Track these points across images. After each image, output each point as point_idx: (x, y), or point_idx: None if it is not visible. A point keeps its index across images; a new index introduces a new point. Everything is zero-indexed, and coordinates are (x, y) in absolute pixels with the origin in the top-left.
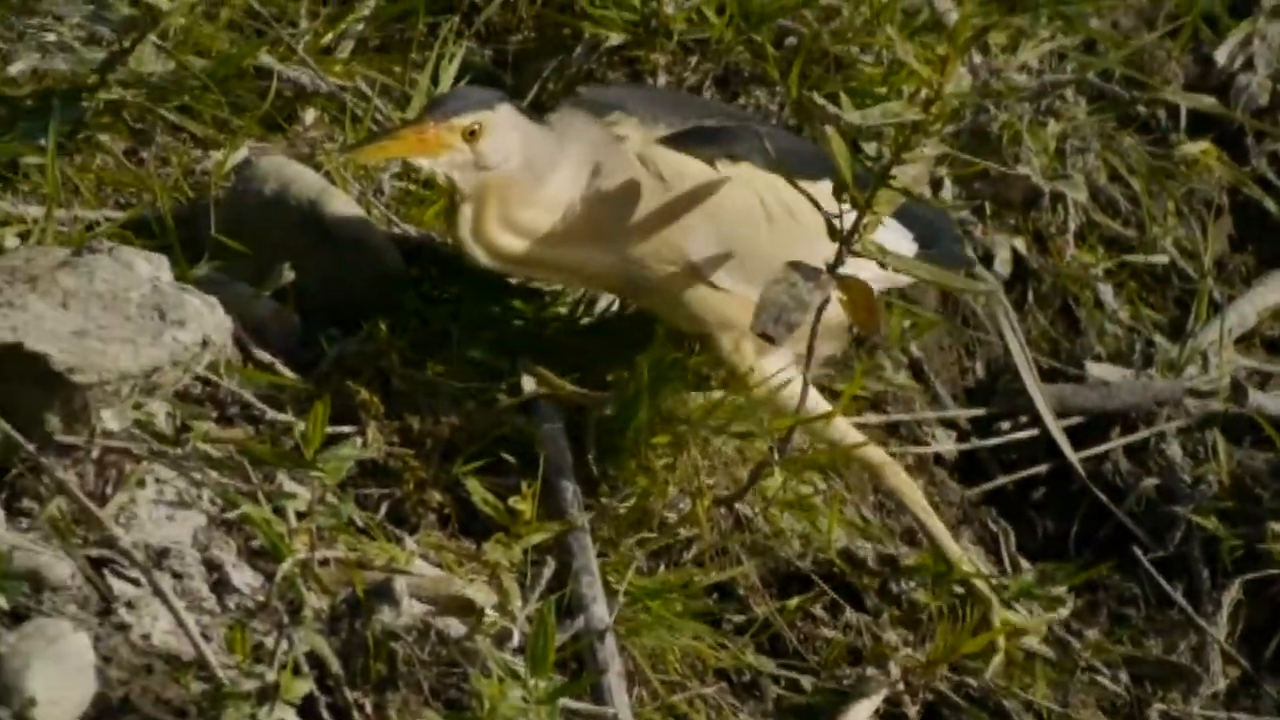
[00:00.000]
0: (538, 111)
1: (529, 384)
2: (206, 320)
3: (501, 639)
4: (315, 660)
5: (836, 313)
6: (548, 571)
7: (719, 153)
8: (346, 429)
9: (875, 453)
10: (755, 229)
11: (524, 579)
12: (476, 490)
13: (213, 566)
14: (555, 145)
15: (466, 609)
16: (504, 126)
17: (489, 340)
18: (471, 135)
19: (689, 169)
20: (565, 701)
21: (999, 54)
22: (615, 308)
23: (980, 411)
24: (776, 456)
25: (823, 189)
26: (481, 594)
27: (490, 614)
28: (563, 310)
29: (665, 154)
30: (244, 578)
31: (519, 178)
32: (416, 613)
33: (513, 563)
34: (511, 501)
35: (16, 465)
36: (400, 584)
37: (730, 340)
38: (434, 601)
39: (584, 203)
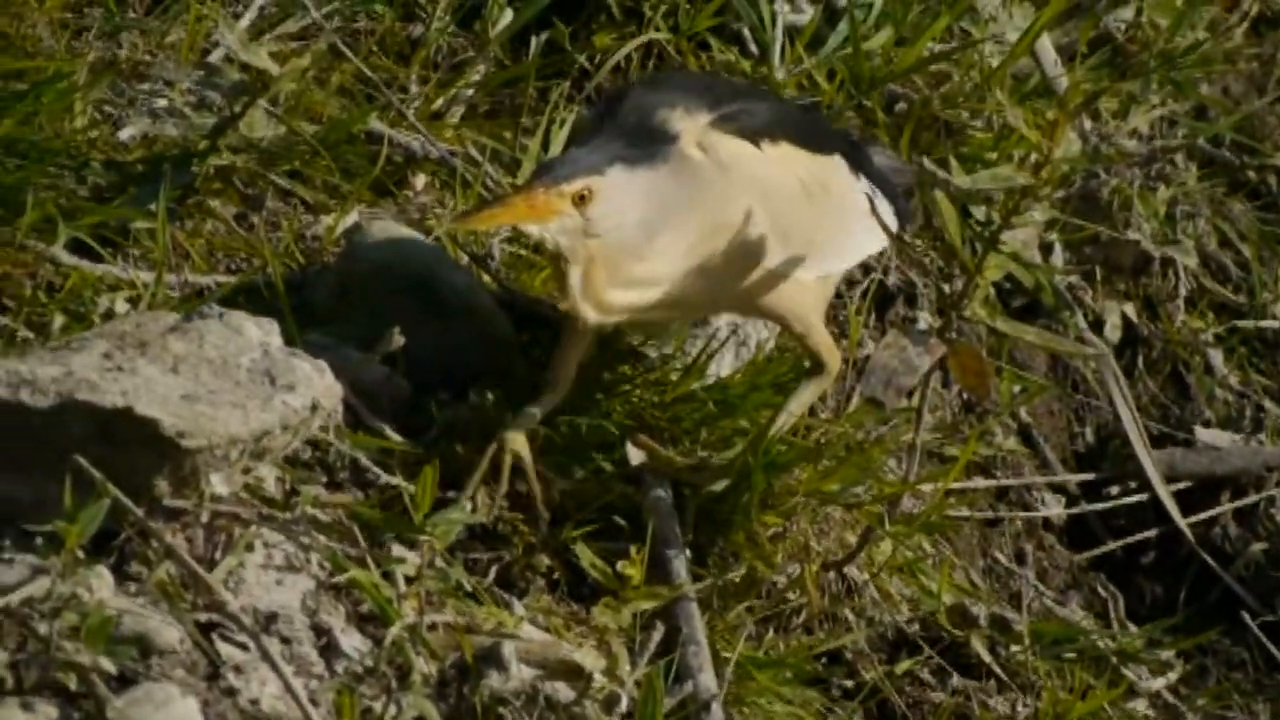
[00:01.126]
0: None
1: (635, 456)
2: (316, 385)
3: (610, 704)
4: None
5: None
6: (656, 636)
7: (763, 132)
8: (454, 494)
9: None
10: (800, 208)
11: (632, 644)
12: (585, 555)
13: (321, 631)
14: (675, 185)
15: (575, 674)
16: (615, 190)
17: (598, 407)
18: (581, 200)
19: (744, 152)
20: None
21: (1109, 119)
22: (725, 372)
23: (1089, 476)
24: (885, 522)
25: (838, 162)
26: (590, 659)
27: (599, 679)
28: (674, 376)
29: (719, 139)
30: (352, 642)
31: (632, 236)
32: (525, 677)
33: (621, 627)
34: (620, 566)
35: (125, 529)
36: (508, 648)
37: (800, 325)
38: (542, 666)
39: (685, 244)
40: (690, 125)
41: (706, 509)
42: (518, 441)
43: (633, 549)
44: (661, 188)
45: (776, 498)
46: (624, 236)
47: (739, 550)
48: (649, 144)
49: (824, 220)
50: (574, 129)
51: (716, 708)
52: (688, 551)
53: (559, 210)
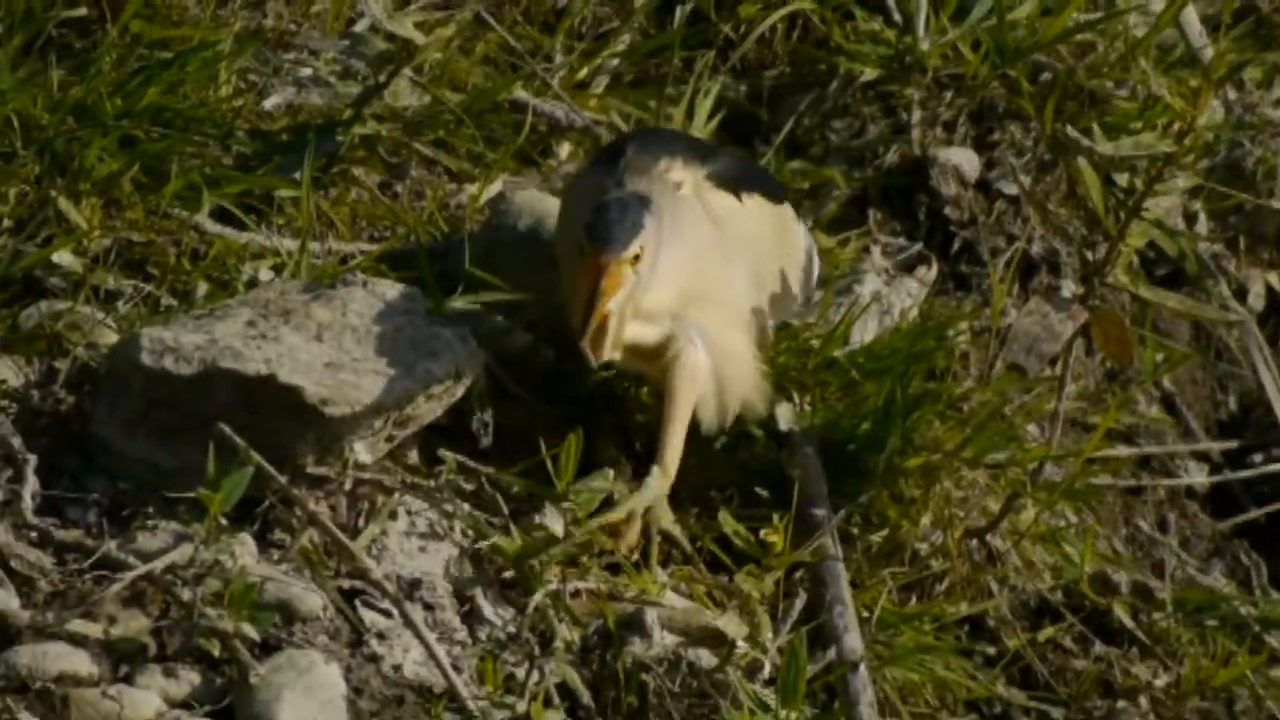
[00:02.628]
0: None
1: (784, 414)
2: (459, 353)
3: (752, 670)
4: (566, 691)
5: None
6: (799, 603)
7: (745, 188)
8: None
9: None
10: (771, 257)
11: (775, 611)
12: (728, 522)
13: (464, 598)
14: (664, 227)
15: (718, 640)
16: (651, 239)
17: None
18: (635, 260)
19: (733, 206)
20: None
21: (1253, 89)
22: (867, 339)
23: (1233, 444)
24: (1028, 489)
25: (790, 212)
26: (733, 625)
27: (741, 646)
28: (815, 343)
29: (714, 194)
30: (495, 609)
31: (650, 272)
32: (667, 644)
33: (764, 594)
34: (763, 534)
35: (269, 497)
36: (651, 615)
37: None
38: (685, 633)
39: (679, 267)
40: (690, 176)
41: (848, 468)
42: (665, 519)
43: (775, 516)
44: (669, 231)
45: (916, 457)
46: (649, 274)
47: (883, 508)
48: (653, 190)
49: (787, 269)
50: (570, 183)
51: (863, 669)
52: (832, 514)
53: (626, 278)
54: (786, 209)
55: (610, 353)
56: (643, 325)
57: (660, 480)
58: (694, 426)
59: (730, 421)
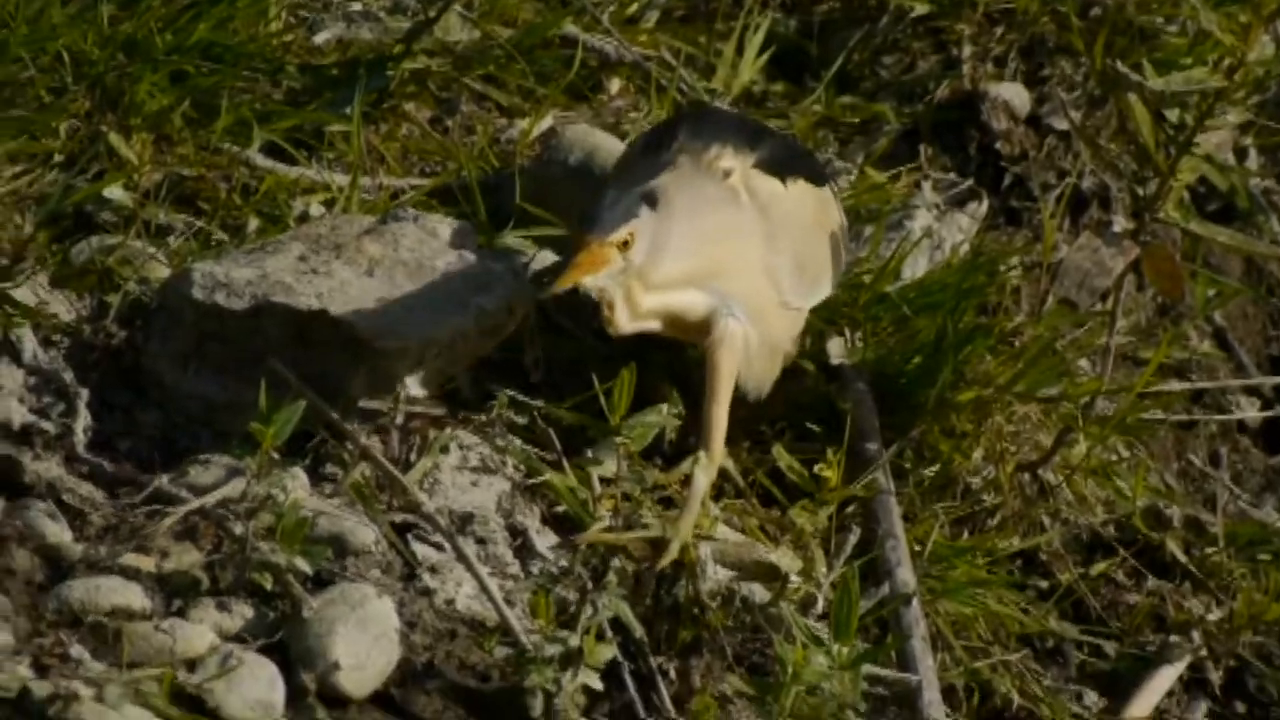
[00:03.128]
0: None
1: (835, 349)
2: (511, 288)
3: (806, 605)
4: (619, 626)
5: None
6: (853, 538)
7: (790, 172)
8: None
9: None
10: (814, 241)
11: (827, 545)
12: (783, 456)
13: (516, 532)
14: (668, 207)
15: (771, 575)
16: (645, 227)
17: None
18: (624, 245)
19: (778, 191)
20: (867, 667)
21: None
22: (919, 274)
23: None
24: (1080, 424)
25: (828, 192)
26: (786, 560)
27: (795, 580)
28: (867, 279)
29: (761, 180)
30: (547, 543)
31: (648, 256)
32: (721, 579)
33: (817, 529)
34: (817, 468)
35: (321, 431)
36: (705, 550)
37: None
38: (738, 567)
39: (692, 244)
40: (739, 165)
41: (900, 402)
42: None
43: (829, 451)
44: (683, 214)
45: (968, 392)
46: (651, 253)
47: (935, 442)
48: (699, 177)
49: (825, 251)
50: (621, 158)
51: (915, 603)
52: (885, 449)
53: (610, 260)
54: (827, 191)
55: (629, 325)
56: (692, 294)
57: (708, 469)
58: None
59: (768, 390)
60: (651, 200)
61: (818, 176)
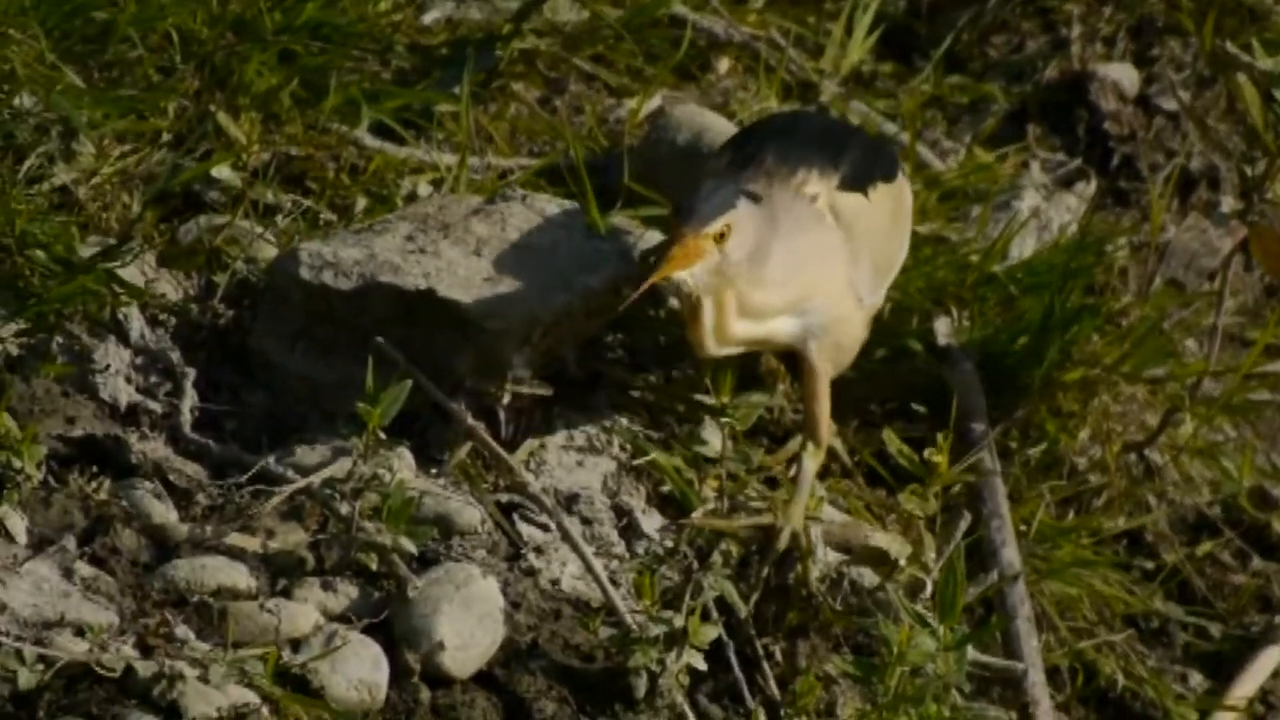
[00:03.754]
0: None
1: (943, 329)
2: (619, 267)
3: (914, 590)
4: (724, 606)
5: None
6: (963, 524)
7: (870, 180)
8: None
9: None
10: (891, 239)
11: (933, 526)
12: (893, 442)
13: (621, 512)
14: (769, 224)
15: (880, 560)
16: (744, 221)
17: (901, 288)
18: (720, 238)
19: (862, 207)
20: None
21: None
22: (1026, 254)
23: None
24: (1186, 404)
25: (901, 179)
26: (896, 545)
27: (903, 565)
28: (974, 258)
29: (845, 199)
30: (653, 523)
31: (748, 265)
32: (829, 561)
33: (927, 514)
34: (927, 454)
35: (427, 411)
36: (813, 531)
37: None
38: (846, 549)
39: (792, 271)
40: (824, 189)
41: (1007, 382)
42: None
43: (934, 432)
44: (761, 221)
45: (1074, 371)
46: (743, 262)
47: (1042, 423)
48: (789, 203)
49: (901, 243)
50: (705, 170)
51: (1021, 583)
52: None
53: (706, 252)
54: (900, 177)
55: (716, 348)
56: (782, 320)
57: (816, 456)
58: None
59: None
60: (752, 195)
61: (892, 168)
